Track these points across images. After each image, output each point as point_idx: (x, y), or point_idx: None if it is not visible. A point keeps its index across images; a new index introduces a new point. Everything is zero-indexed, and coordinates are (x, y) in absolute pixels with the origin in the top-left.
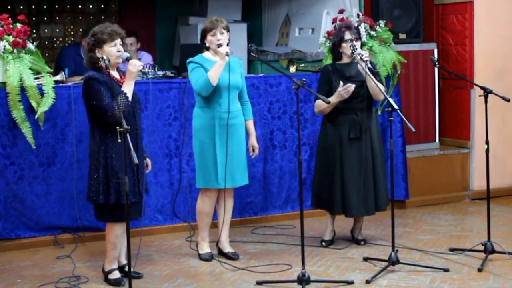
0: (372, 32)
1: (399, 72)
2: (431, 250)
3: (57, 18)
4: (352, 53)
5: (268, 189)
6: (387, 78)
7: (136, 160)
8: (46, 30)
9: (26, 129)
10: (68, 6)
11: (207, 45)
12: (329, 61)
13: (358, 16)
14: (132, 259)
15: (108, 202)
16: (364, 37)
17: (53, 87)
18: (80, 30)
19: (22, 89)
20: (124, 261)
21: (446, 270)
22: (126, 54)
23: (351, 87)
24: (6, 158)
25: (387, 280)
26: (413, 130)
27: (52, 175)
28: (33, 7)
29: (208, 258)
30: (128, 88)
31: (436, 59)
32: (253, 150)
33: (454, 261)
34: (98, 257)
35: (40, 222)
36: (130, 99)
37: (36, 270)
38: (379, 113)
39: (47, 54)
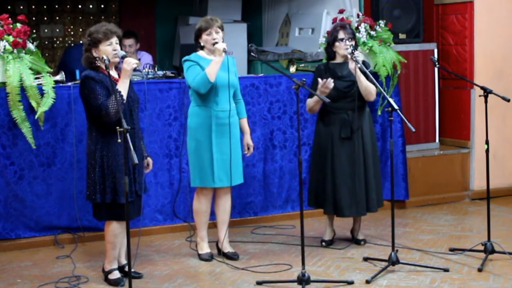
0: (372, 32)
1: (399, 72)
2: (431, 250)
3: (57, 18)
4: (352, 53)
5: (268, 189)
6: (387, 78)
7: (136, 160)
8: (46, 30)
9: (26, 129)
10: (68, 6)
11: (202, 44)
12: None
13: (358, 16)
14: (131, 259)
15: (105, 201)
16: (364, 37)
17: (53, 87)
18: (80, 30)
19: (22, 89)
20: (124, 261)
21: (446, 270)
22: (122, 53)
23: (330, 82)
24: (6, 158)
25: (387, 280)
26: (413, 130)
27: (52, 175)
28: (33, 7)
29: (208, 258)
30: (123, 87)
31: (436, 59)
32: (248, 149)
33: (454, 261)
34: (98, 257)
35: (40, 222)
36: (125, 97)
37: (36, 270)
38: (379, 113)
39: (47, 54)
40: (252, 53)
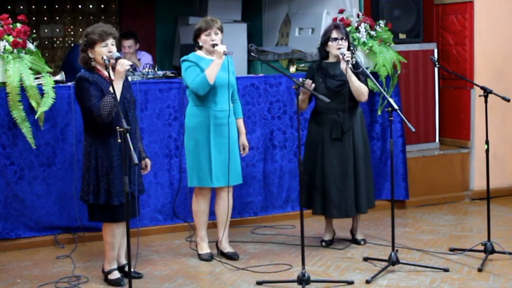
0: (372, 32)
1: (399, 72)
2: (431, 250)
3: (57, 18)
4: (353, 53)
5: (268, 189)
6: (387, 78)
7: (136, 160)
8: (46, 30)
9: (26, 129)
10: (68, 6)
11: (201, 44)
12: None
13: (358, 16)
14: (131, 259)
15: (98, 202)
16: (364, 37)
17: (53, 87)
18: (80, 30)
19: (22, 89)
20: (124, 261)
21: (446, 270)
22: (117, 54)
23: (308, 82)
24: (6, 158)
25: (387, 280)
26: (413, 130)
27: (52, 175)
28: (33, 7)
29: (208, 258)
30: (115, 88)
31: (436, 59)
32: (243, 149)
33: (454, 261)
34: (98, 257)
35: (40, 222)
36: (118, 99)
37: (36, 270)
38: (379, 113)
39: (47, 54)
40: (252, 53)
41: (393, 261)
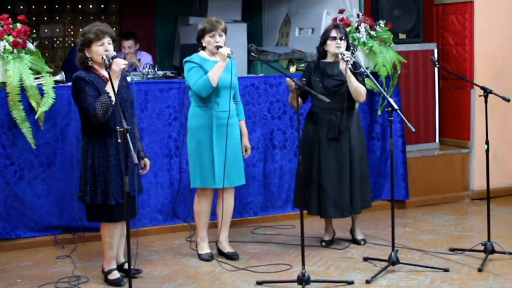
0: (372, 32)
1: (399, 72)
2: (431, 250)
3: (57, 18)
4: (353, 53)
5: (268, 189)
6: (387, 78)
7: (136, 160)
8: (46, 30)
9: (26, 129)
10: (68, 6)
11: (204, 45)
12: None
13: (358, 16)
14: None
15: (95, 202)
16: (364, 37)
17: (53, 87)
18: (80, 30)
19: (22, 89)
20: (122, 259)
21: (446, 270)
22: (113, 53)
23: (288, 80)
24: (6, 158)
25: (387, 280)
26: (413, 130)
27: (52, 175)
28: (33, 7)
29: (208, 258)
30: (111, 88)
31: (436, 59)
32: (246, 150)
33: (454, 261)
34: (98, 257)
35: (40, 222)
36: (113, 98)
37: (36, 270)
38: (379, 113)
39: (47, 54)
40: (252, 53)
41: (393, 261)
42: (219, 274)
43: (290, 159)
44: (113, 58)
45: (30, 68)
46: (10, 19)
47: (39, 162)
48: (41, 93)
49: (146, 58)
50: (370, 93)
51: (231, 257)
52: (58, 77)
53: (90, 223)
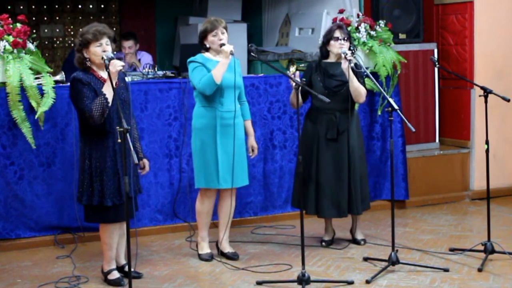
0: (372, 32)
1: (399, 72)
2: (431, 250)
3: (57, 18)
4: (353, 52)
5: (268, 189)
6: (387, 78)
7: (136, 160)
8: (46, 30)
9: (26, 129)
10: (68, 6)
11: (208, 45)
12: None
13: (358, 16)
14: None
15: (92, 203)
16: (364, 37)
17: (53, 87)
18: (80, 30)
19: (22, 89)
20: (123, 261)
21: (446, 270)
22: (110, 55)
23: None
24: (6, 158)
25: (387, 280)
26: (413, 130)
27: (52, 175)
28: (33, 7)
29: (208, 258)
30: (108, 89)
31: (436, 59)
32: (252, 150)
33: (454, 261)
34: (98, 257)
35: (40, 222)
36: (110, 100)
37: (36, 270)
38: (379, 113)
39: (47, 54)
40: (252, 53)
41: (393, 261)
42: (219, 274)
43: (290, 159)
44: (110, 59)
45: (30, 68)
46: (10, 19)
47: (39, 162)
48: (41, 93)
49: (146, 58)
50: (370, 93)
51: (231, 257)
52: (58, 77)
53: (90, 223)
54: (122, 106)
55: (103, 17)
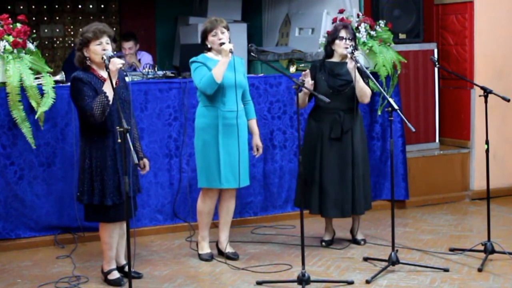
0: (372, 32)
1: (399, 72)
2: (431, 250)
3: (57, 18)
4: (353, 53)
5: (268, 189)
6: (387, 78)
7: (136, 160)
8: (46, 30)
9: (26, 129)
10: (68, 6)
11: (209, 46)
12: None
13: (358, 16)
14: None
15: (92, 202)
16: (364, 37)
17: (53, 87)
18: (80, 30)
19: (22, 89)
20: (123, 261)
21: (446, 270)
22: (110, 53)
23: (308, 81)
24: (6, 158)
25: (387, 280)
26: (413, 130)
27: (52, 175)
28: (33, 7)
29: (208, 258)
30: (108, 88)
31: (436, 59)
32: (257, 150)
33: (454, 261)
34: (98, 257)
35: (40, 222)
36: (110, 98)
37: (36, 270)
38: (379, 113)
39: (47, 54)
40: (252, 53)
41: (393, 261)
42: (219, 274)
43: (290, 159)
44: (110, 58)
45: (30, 68)
46: (10, 19)
47: (39, 162)
48: (41, 93)
49: (146, 58)
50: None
51: (231, 257)
52: (58, 77)
53: (90, 223)
54: (122, 105)
55: (103, 17)
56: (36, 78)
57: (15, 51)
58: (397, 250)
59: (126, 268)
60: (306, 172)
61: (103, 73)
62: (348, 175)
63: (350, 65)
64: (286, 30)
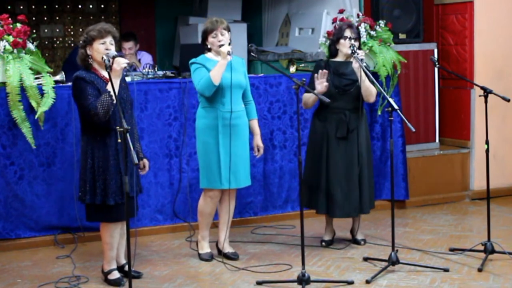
0: (372, 32)
1: (399, 72)
2: (431, 250)
3: (57, 18)
4: (353, 52)
5: (268, 189)
6: (387, 78)
7: (136, 160)
8: (46, 30)
9: (26, 129)
10: (68, 6)
11: (209, 46)
12: None
13: (358, 16)
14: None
15: (94, 202)
16: (364, 37)
17: (53, 87)
18: (80, 30)
19: (22, 89)
20: (123, 261)
21: (446, 270)
22: (113, 53)
23: (326, 72)
24: (6, 158)
25: (387, 280)
26: (413, 130)
27: (52, 175)
28: (33, 7)
29: (208, 258)
30: (111, 88)
31: (436, 59)
32: (258, 150)
33: (454, 261)
34: (98, 257)
35: (40, 222)
36: (114, 97)
37: (36, 270)
38: (379, 113)
39: (47, 54)
40: (252, 53)
41: (393, 261)
42: (219, 274)
43: (290, 159)
44: (114, 57)
45: (30, 68)
46: (10, 19)
47: (39, 162)
48: (41, 93)
49: (146, 58)
50: None
51: (231, 257)
52: (58, 77)
53: (90, 223)
54: (124, 105)
55: (103, 17)
56: (36, 78)
57: (15, 51)
58: (397, 250)
59: (126, 268)
60: (312, 172)
61: (105, 73)
62: (355, 175)
63: (355, 64)
64: (286, 30)
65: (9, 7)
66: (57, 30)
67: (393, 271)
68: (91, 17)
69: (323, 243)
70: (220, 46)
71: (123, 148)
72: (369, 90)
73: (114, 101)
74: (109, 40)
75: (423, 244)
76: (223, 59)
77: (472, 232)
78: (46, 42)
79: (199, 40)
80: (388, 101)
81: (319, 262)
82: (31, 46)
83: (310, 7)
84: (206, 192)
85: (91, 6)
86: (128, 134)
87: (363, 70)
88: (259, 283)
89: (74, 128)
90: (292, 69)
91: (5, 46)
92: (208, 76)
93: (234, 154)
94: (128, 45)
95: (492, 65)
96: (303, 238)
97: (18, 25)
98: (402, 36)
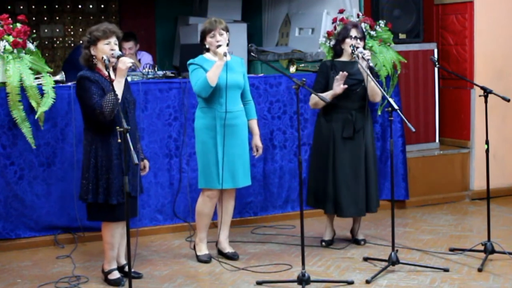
0: (372, 32)
1: (399, 72)
2: (431, 250)
3: (57, 18)
4: (353, 52)
5: (268, 189)
6: (387, 78)
7: (136, 160)
8: (46, 30)
9: (26, 129)
10: (68, 6)
11: (207, 46)
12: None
13: (358, 16)
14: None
15: (97, 201)
16: None
17: (53, 87)
18: (80, 30)
19: (22, 89)
20: (123, 261)
21: (446, 270)
22: (118, 53)
23: (343, 74)
24: (6, 158)
25: (387, 280)
26: (413, 130)
27: (52, 175)
28: (33, 7)
29: (206, 259)
30: (117, 86)
31: (436, 59)
32: (257, 150)
33: (454, 261)
34: (98, 257)
35: (40, 222)
36: (119, 97)
37: (36, 270)
38: (379, 113)
39: (47, 54)
40: (252, 53)
41: (393, 261)
42: (219, 274)
43: (290, 159)
44: (119, 57)
45: (30, 68)
46: (10, 19)
47: (39, 162)
48: (41, 93)
49: (146, 58)
50: None
51: (231, 257)
52: (58, 77)
53: (91, 223)
54: (127, 105)
55: (103, 17)
56: (36, 78)
57: (15, 51)
58: (397, 250)
59: (126, 268)
60: (319, 172)
61: (110, 73)
62: (361, 174)
63: (363, 63)
64: (286, 30)
65: (9, 7)
66: (57, 30)
67: (393, 271)
68: (91, 17)
69: (323, 243)
70: (218, 46)
71: (124, 148)
72: (375, 90)
73: (119, 100)
74: (113, 40)
75: (423, 244)
76: (219, 60)
77: (472, 232)
78: (46, 42)
79: (199, 40)
80: (388, 101)
81: (319, 262)
82: (31, 46)
83: (310, 7)
84: (204, 192)
85: (91, 6)
86: (130, 134)
87: (364, 70)
88: (259, 283)
89: (74, 128)
90: (292, 69)
91: (5, 46)
92: (204, 77)
93: (232, 154)
94: (128, 45)
95: (492, 65)
96: (303, 238)
97: (18, 25)
98: (402, 36)
